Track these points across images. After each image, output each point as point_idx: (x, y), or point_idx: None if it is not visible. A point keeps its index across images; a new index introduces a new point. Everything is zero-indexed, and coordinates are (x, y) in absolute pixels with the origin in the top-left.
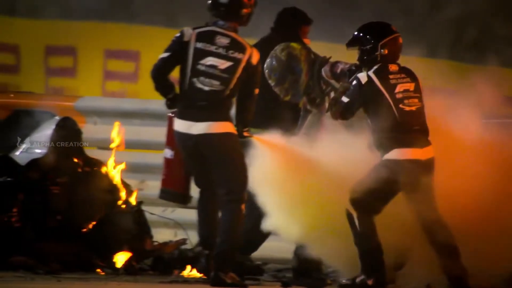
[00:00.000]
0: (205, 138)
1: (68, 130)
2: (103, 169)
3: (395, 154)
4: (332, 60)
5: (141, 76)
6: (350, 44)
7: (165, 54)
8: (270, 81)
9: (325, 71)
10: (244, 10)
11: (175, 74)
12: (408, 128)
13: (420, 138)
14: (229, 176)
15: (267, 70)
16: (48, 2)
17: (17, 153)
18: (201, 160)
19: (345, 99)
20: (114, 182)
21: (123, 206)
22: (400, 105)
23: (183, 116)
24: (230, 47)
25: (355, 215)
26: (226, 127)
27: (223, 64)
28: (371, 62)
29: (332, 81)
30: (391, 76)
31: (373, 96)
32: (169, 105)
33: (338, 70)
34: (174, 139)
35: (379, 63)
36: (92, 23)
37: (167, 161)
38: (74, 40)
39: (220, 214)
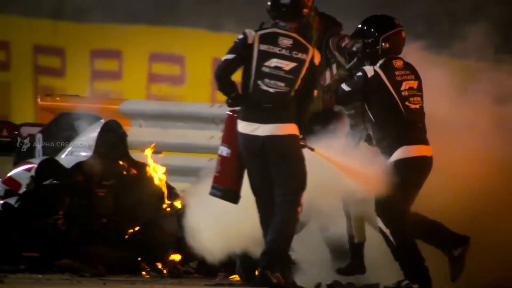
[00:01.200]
0: (271, 140)
1: (113, 133)
2: (148, 172)
3: (406, 152)
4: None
5: (186, 79)
6: (353, 36)
7: (229, 56)
8: None
9: (332, 42)
10: (305, 10)
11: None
12: (415, 126)
13: (424, 136)
14: (289, 178)
15: None
16: (94, 6)
17: (63, 156)
18: (263, 162)
19: (346, 87)
20: (159, 185)
21: (168, 209)
22: (406, 103)
23: (248, 118)
24: (293, 48)
25: (388, 231)
26: (292, 128)
27: (288, 65)
28: (372, 55)
29: (336, 53)
30: (397, 73)
31: (378, 91)
32: (231, 104)
33: (343, 45)
34: (232, 137)
35: (380, 56)
36: (137, 26)
37: (223, 159)
38: (120, 43)
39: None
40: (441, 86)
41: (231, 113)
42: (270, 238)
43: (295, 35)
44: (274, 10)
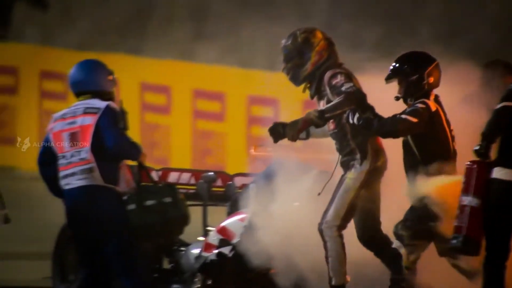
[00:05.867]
0: None
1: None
2: None
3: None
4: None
5: None
6: (391, 77)
7: None
8: (281, 54)
9: (326, 75)
10: None
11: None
12: (455, 167)
13: None
14: None
15: (282, 44)
16: None
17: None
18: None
19: (412, 118)
20: None
21: None
22: (453, 143)
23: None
24: None
25: (404, 256)
26: None
27: None
28: (417, 92)
29: (327, 88)
30: (444, 111)
31: (437, 127)
32: (482, 154)
33: (333, 83)
34: (481, 187)
35: (425, 92)
36: None
37: (473, 209)
38: None
39: None
40: None
41: (471, 163)
42: None
43: None
44: None
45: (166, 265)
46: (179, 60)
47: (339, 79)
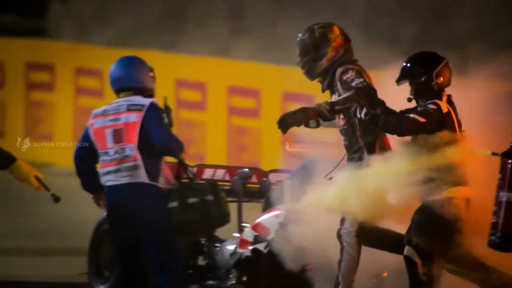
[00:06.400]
0: None
1: None
2: None
3: (463, 192)
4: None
5: None
6: (400, 79)
7: None
8: (297, 48)
9: (338, 71)
10: None
11: None
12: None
13: None
14: None
15: (299, 38)
16: None
17: None
18: None
19: (420, 118)
20: None
21: None
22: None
23: None
24: None
25: (418, 263)
26: None
27: None
28: (427, 93)
29: (338, 84)
30: (456, 112)
31: (447, 128)
32: None
33: (344, 78)
34: None
35: (436, 92)
36: None
37: (510, 204)
38: None
39: None
40: None
41: (506, 158)
42: None
43: None
44: None
45: (201, 261)
46: (214, 57)
47: (350, 74)
